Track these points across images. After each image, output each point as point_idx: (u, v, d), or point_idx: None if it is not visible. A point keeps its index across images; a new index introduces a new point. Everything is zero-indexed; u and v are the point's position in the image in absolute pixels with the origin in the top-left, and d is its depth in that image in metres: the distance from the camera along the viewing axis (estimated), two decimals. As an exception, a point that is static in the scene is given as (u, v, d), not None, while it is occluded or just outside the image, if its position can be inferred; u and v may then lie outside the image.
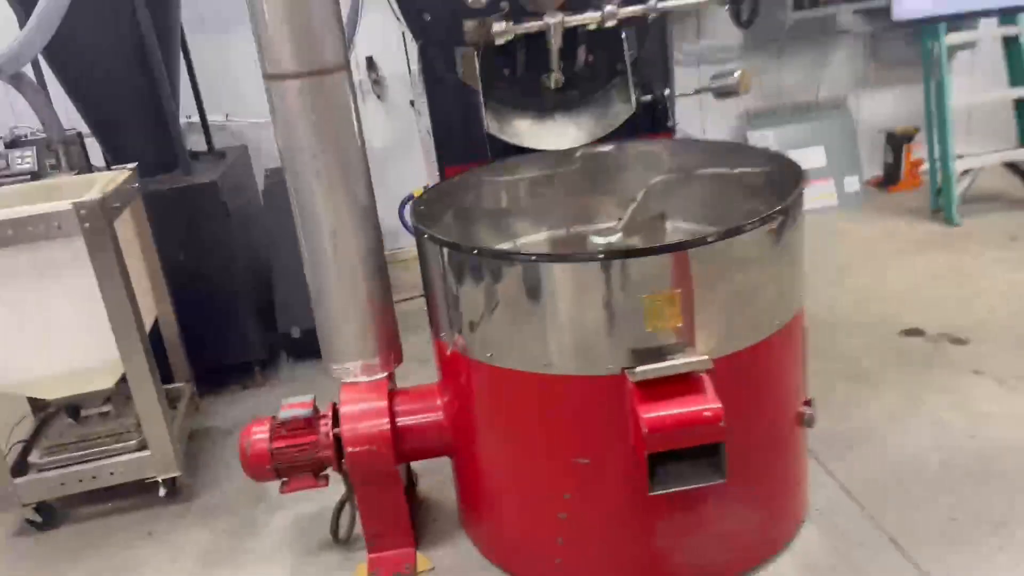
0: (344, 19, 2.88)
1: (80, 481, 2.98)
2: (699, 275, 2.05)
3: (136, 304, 2.90)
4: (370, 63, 5.01)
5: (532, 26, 2.68)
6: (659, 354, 2.08)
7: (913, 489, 2.68)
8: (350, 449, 2.49)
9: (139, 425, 3.02)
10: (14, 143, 3.43)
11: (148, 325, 3.11)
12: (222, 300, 3.78)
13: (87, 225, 2.71)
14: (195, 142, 4.22)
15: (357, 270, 2.53)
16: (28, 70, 3.26)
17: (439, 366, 2.56)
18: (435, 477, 2.95)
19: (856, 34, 5.31)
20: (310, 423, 2.60)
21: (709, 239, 2.04)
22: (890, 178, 5.46)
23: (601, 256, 2.03)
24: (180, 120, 3.90)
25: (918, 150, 5.30)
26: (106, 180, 3.05)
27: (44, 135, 3.39)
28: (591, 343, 2.11)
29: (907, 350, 3.51)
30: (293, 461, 2.60)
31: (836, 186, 5.26)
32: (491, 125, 2.82)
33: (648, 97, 2.93)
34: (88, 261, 2.74)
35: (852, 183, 5.28)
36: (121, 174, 3.14)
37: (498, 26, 2.66)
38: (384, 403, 2.53)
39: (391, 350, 2.65)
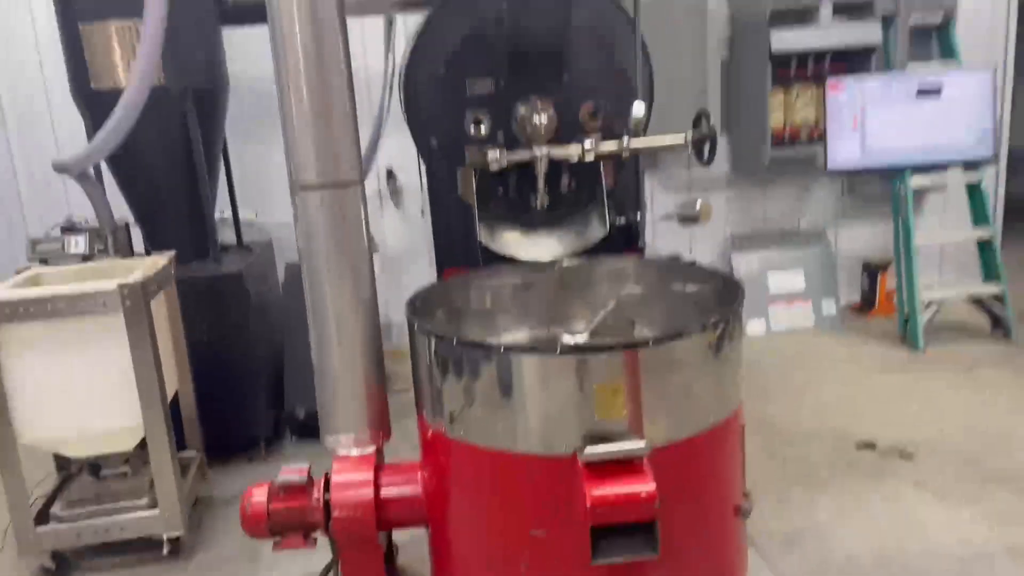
0: (367, 139, 3.38)
1: (94, 533, 3.29)
2: (643, 372, 2.41)
3: (162, 376, 3.29)
4: (390, 174, 5.53)
5: (523, 156, 3.15)
6: (607, 439, 2.42)
7: (845, 585, 2.95)
8: (337, 514, 2.80)
9: (152, 486, 3.36)
10: (70, 229, 3.90)
11: (169, 396, 3.48)
12: (236, 379, 4.15)
13: (128, 304, 3.12)
14: (226, 235, 4.70)
15: (356, 355, 2.91)
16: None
17: (421, 443, 2.90)
18: (415, 551, 3.24)
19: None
20: (304, 489, 2.92)
21: (652, 341, 2.41)
22: (867, 304, 5.84)
23: (559, 351, 2.40)
24: (214, 216, 4.38)
25: (893, 279, 5.69)
26: (148, 265, 3.49)
27: (96, 223, 3.86)
28: (549, 426, 2.45)
29: (859, 461, 3.81)
30: (287, 522, 2.90)
31: (814, 308, 5.64)
32: (484, 236, 3.26)
33: (622, 220, 3.37)
34: (125, 335, 3.15)
35: (829, 306, 5.66)
36: (161, 260, 3.59)
37: (494, 154, 3.14)
38: (370, 475, 2.85)
39: (381, 428, 3.00)
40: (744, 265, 5.70)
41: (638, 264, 3.28)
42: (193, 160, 4.06)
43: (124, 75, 3.81)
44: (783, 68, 5.23)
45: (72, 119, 4.57)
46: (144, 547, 3.39)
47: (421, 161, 3.56)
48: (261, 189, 5.11)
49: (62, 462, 3.66)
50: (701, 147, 3.23)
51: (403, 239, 5.54)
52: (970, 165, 5.10)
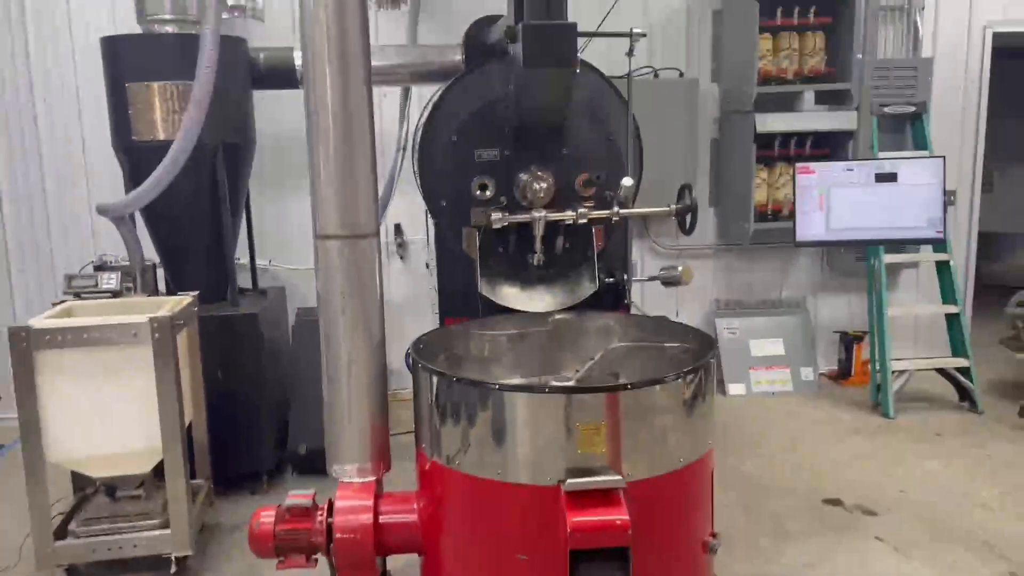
0: (379, 193, 3.72)
1: (108, 550, 3.53)
2: (622, 413, 2.70)
3: (182, 406, 3.57)
4: (398, 229, 5.87)
5: (522, 218, 3.50)
6: (587, 472, 2.70)
7: (805, 624, 3.19)
8: (338, 536, 3.05)
9: (164, 508, 3.60)
10: (101, 267, 4.22)
11: (186, 426, 3.75)
12: (245, 414, 4.42)
13: (157, 336, 3.42)
14: (242, 280, 5.02)
15: (364, 392, 3.19)
16: (123, 210, 4.11)
17: (419, 474, 3.17)
18: (407, 577, 3.48)
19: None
20: (309, 512, 3.18)
21: (631, 385, 2.71)
22: (843, 372, 6.14)
23: (547, 390, 2.70)
24: (234, 261, 4.70)
25: (868, 350, 6.00)
26: (173, 303, 3.80)
27: (126, 262, 4.18)
28: (536, 459, 2.73)
29: (826, 516, 4.06)
30: (291, 542, 3.15)
31: (792, 374, 5.94)
32: (484, 288, 3.59)
33: (611, 279, 3.70)
34: (152, 364, 3.44)
35: (807, 373, 5.96)
36: (185, 299, 3.90)
37: (496, 215, 3.49)
38: (371, 502, 3.12)
39: (382, 460, 3.27)
40: (725, 329, 6.03)
41: (624, 320, 3.60)
42: (219, 209, 4.40)
43: (163, 129, 4.18)
44: (767, 148, 5.63)
45: (104, 167, 4.96)
46: (153, 565, 3.61)
47: (429, 218, 3.90)
48: (277, 239, 5.44)
49: (80, 483, 3.90)
50: (684, 217, 3.58)
51: (407, 291, 5.86)
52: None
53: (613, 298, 3.74)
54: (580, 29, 3.15)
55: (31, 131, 5.41)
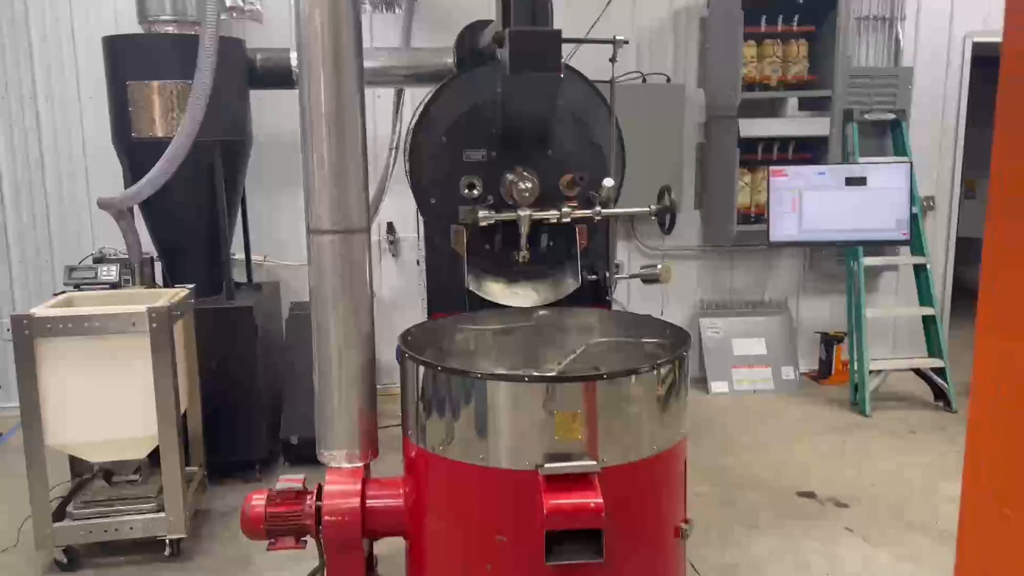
0: (372, 194, 3.85)
1: (105, 531, 3.66)
2: (598, 402, 2.84)
3: (177, 394, 3.70)
4: (390, 227, 6.01)
5: (508, 216, 3.63)
6: (564, 457, 2.84)
7: (772, 607, 3.33)
8: (327, 518, 3.19)
9: (160, 493, 3.73)
10: (101, 259, 4.35)
11: (181, 414, 3.88)
12: (238, 404, 4.54)
13: (155, 325, 3.56)
14: (239, 275, 5.15)
15: (353, 381, 3.33)
16: (123, 205, 4.24)
17: (405, 461, 3.30)
18: (393, 563, 3.60)
19: (796, 248, 6.33)
20: (299, 496, 3.32)
21: (607, 375, 2.86)
22: (823, 372, 6.29)
23: (527, 379, 2.84)
24: (230, 256, 4.83)
25: (848, 350, 6.16)
26: (170, 295, 3.93)
27: (125, 255, 4.31)
28: (516, 444, 2.87)
29: (798, 508, 4.21)
30: (282, 525, 3.28)
31: (773, 374, 6.09)
32: (471, 284, 3.72)
33: (593, 276, 3.84)
34: (150, 353, 3.57)
35: (788, 372, 6.11)
36: (182, 291, 4.03)
37: (483, 213, 3.62)
38: (358, 486, 3.25)
39: (370, 447, 3.41)
40: (709, 329, 6.18)
41: (605, 317, 3.74)
42: (216, 205, 4.53)
43: (162, 127, 4.31)
44: (751, 153, 5.79)
45: (104, 163, 5.08)
46: (148, 548, 3.74)
47: (420, 216, 4.03)
48: (272, 235, 5.57)
49: (78, 469, 4.03)
50: (663, 217, 3.72)
51: (398, 287, 6.00)
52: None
53: (595, 295, 3.88)
54: (571, 35, 3.29)
55: (33, 127, 5.54)
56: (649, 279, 3.79)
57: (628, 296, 6.16)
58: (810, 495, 4.33)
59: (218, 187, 4.51)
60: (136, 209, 4.60)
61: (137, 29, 4.60)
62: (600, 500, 2.75)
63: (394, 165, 5.44)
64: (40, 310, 3.57)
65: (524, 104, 3.57)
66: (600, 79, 3.92)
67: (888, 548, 3.76)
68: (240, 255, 5.22)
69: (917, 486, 4.44)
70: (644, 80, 5.90)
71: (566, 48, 4.48)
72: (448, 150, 3.76)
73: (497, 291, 3.81)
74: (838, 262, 6.14)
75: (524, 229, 3.65)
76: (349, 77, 3.16)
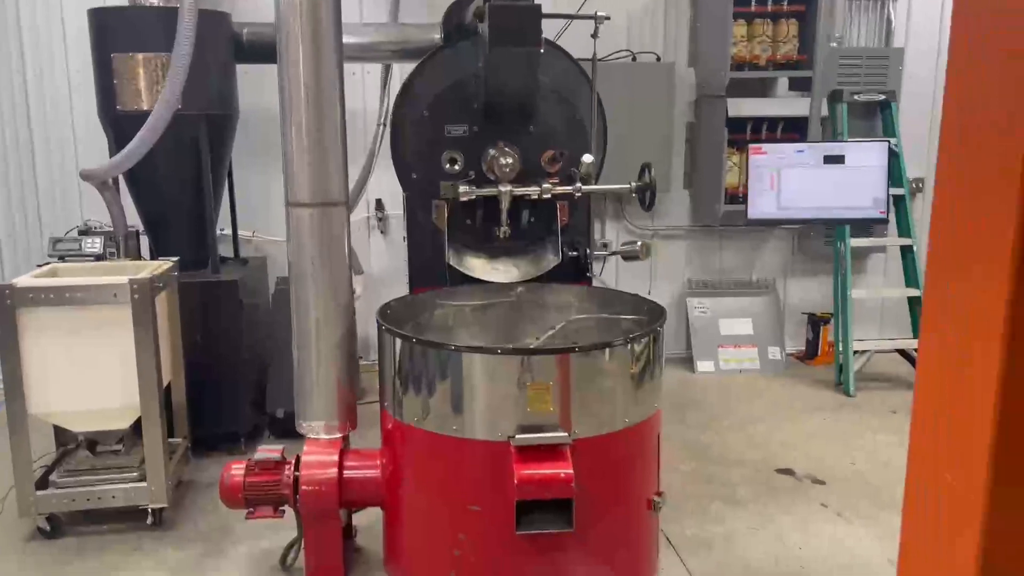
0: (359, 174, 3.85)
1: (87, 500, 3.70)
2: (571, 374, 2.87)
3: (159, 365, 3.73)
4: (379, 204, 6.01)
5: (489, 191, 3.65)
6: (537, 429, 2.87)
7: (744, 579, 3.38)
8: (304, 488, 3.23)
9: (142, 463, 3.77)
10: (86, 231, 4.37)
11: (163, 385, 3.91)
12: (223, 378, 4.57)
13: (136, 297, 3.57)
14: (225, 249, 5.17)
15: (332, 352, 3.36)
16: (108, 178, 4.25)
17: (382, 433, 3.34)
18: (372, 533, 3.65)
19: (784, 229, 6.34)
20: (278, 466, 3.35)
21: (579, 348, 2.88)
22: (810, 353, 6.32)
23: (500, 352, 2.87)
24: (216, 231, 4.85)
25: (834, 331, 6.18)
26: (154, 267, 3.95)
27: (110, 228, 4.33)
28: (489, 416, 2.90)
29: (777, 484, 4.25)
30: (260, 494, 3.32)
31: (760, 353, 6.11)
32: (452, 259, 3.75)
33: (574, 253, 3.86)
34: (131, 324, 3.59)
35: (774, 352, 6.14)
36: (165, 264, 4.05)
37: (464, 189, 3.64)
38: (336, 457, 3.29)
39: (348, 418, 3.44)
40: (696, 309, 6.20)
41: (584, 293, 3.77)
42: (201, 179, 4.54)
43: (147, 100, 4.31)
44: (739, 132, 5.78)
45: (91, 136, 5.08)
46: (130, 517, 3.78)
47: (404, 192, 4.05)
48: (261, 211, 5.58)
49: (62, 438, 4.06)
50: (644, 194, 3.74)
51: (387, 264, 6.01)
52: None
53: (575, 271, 3.90)
54: (561, 12, 3.28)
55: (21, 99, 5.53)
56: (629, 256, 3.82)
57: (616, 275, 6.18)
58: (789, 472, 4.37)
59: (203, 161, 4.52)
60: (122, 183, 4.63)
61: (123, 1, 4.59)
62: (570, 471, 2.79)
63: (381, 141, 5.44)
64: (22, 280, 3.60)
65: (506, 79, 3.58)
66: (589, 58, 3.91)
67: (861, 524, 3.80)
68: (228, 230, 5.23)
69: (895, 465, 4.47)
70: (634, 59, 5.89)
71: (556, 25, 4.51)
72: (430, 125, 3.77)
73: (478, 266, 3.84)
74: (826, 243, 6.16)
75: (505, 204, 3.67)
76: (328, 50, 3.17)
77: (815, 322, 6.27)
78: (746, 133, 5.81)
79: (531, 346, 3.48)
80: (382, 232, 6.07)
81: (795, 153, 5.20)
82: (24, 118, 5.56)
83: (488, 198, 3.69)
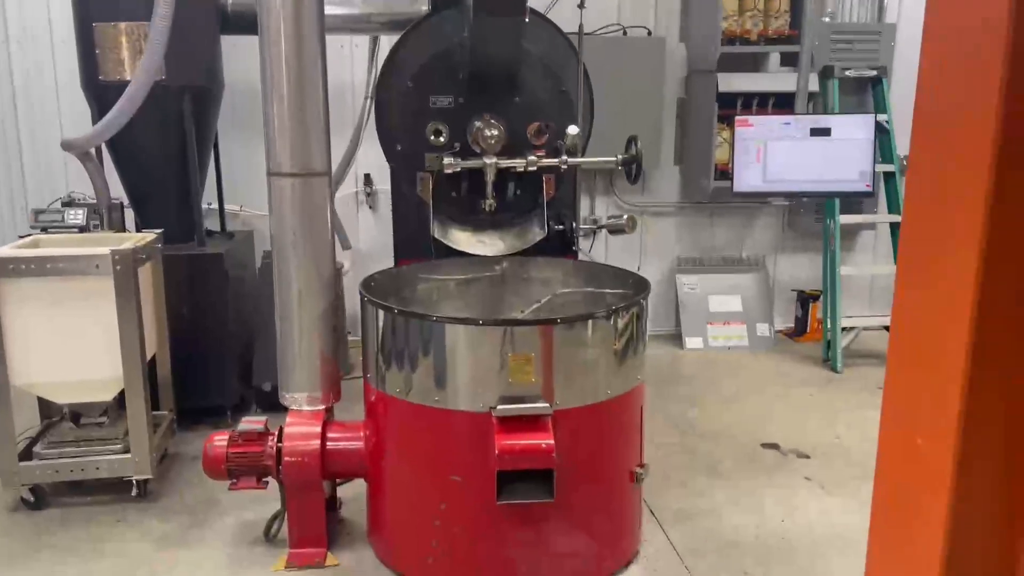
0: (346, 147, 3.81)
1: (71, 471, 3.69)
2: (552, 345, 2.87)
3: (143, 336, 3.71)
4: (367, 179, 5.97)
5: (474, 164, 3.63)
6: (518, 400, 2.87)
7: (726, 551, 3.39)
8: (287, 459, 3.23)
9: (127, 434, 3.76)
10: (69, 203, 4.33)
11: (148, 357, 3.89)
12: (209, 351, 4.56)
13: (118, 268, 3.55)
14: (212, 224, 5.14)
15: (315, 324, 3.35)
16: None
17: (365, 405, 3.34)
18: (356, 505, 3.65)
19: (775, 206, 6.32)
20: (261, 437, 3.35)
21: (560, 319, 2.87)
22: (799, 330, 6.33)
23: (481, 323, 2.86)
24: (202, 205, 4.81)
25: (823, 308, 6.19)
26: (137, 239, 3.92)
27: (94, 200, 4.29)
28: (471, 387, 2.90)
29: (761, 458, 4.27)
30: (243, 465, 3.32)
31: (748, 330, 6.12)
32: (437, 232, 3.72)
33: (560, 226, 3.84)
34: (114, 295, 3.57)
35: (763, 329, 6.14)
36: (149, 236, 4.02)
37: (449, 160, 3.61)
38: (319, 428, 3.29)
39: (332, 390, 3.44)
40: (685, 285, 6.20)
41: (569, 266, 3.76)
42: (186, 151, 4.50)
43: (130, 70, 4.26)
44: (730, 108, 5.75)
45: (75, 107, 5.03)
46: (114, 488, 3.78)
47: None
48: (248, 184, 5.54)
49: (46, 411, 4.05)
50: (630, 168, 3.71)
51: (375, 238, 5.98)
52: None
53: (562, 245, 3.88)
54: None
55: (5, 70, 5.47)
56: (615, 229, 3.80)
57: (606, 251, 6.17)
58: (774, 446, 4.38)
59: (188, 133, 4.48)
60: (107, 156, 4.58)
61: (105, -31, 4.52)
62: (551, 441, 2.79)
63: (369, 114, 5.39)
64: (3, 251, 3.57)
65: (491, 49, 3.54)
66: (583, 31, 3.86)
67: (844, 496, 3.82)
68: (215, 205, 5.20)
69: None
70: (625, 33, 5.84)
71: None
72: (415, 96, 3.73)
73: (463, 239, 3.82)
74: (816, 220, 6.14)
75: (490, 177, 3.64)
76: (309, 19, 3.13)
77: (804, 299, 6.28)
78: (736, 109, 5.77)
79: (516, 317, 3.47)
80: (370, 207, 6.05)
81: (781, 125, 5.17)
82: (8, 87, 5.50)
83: (473, 170, 3.66)
